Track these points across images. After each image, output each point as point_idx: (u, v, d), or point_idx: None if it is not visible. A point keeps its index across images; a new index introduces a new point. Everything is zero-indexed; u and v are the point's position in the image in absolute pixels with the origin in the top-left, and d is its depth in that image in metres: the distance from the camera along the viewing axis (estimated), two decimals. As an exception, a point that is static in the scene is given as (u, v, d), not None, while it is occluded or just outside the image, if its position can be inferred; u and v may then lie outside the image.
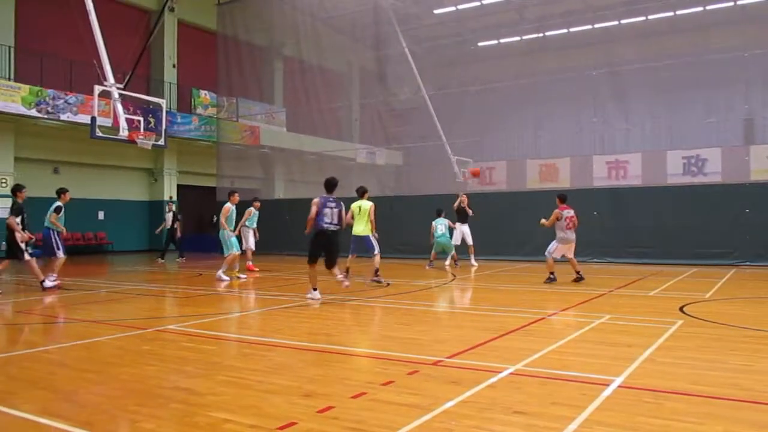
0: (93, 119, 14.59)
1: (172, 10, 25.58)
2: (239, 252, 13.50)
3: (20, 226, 11.29)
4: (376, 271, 11.92)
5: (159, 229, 20.47)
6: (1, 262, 11.69)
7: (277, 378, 4.99)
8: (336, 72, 29.06)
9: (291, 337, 7.01)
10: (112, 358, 5.85)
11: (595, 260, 16.92)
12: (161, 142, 15.95)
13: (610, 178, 24.10)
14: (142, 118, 15.53)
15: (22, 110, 19.31)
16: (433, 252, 16.19)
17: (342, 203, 9.90)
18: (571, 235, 11.87)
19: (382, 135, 28.54)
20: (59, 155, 22.70)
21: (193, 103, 26.36)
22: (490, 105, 25.37)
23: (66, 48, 21.06)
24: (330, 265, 9.85)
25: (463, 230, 16.58)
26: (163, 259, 19.74)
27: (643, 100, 24.08)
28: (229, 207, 13.46)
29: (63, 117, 20.32)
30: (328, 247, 9.71)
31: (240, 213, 14.49)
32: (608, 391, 4.50)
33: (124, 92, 15.14)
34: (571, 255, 11.99)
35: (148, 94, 19.04)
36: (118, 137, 14.88)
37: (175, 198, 26.57)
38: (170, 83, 25.82)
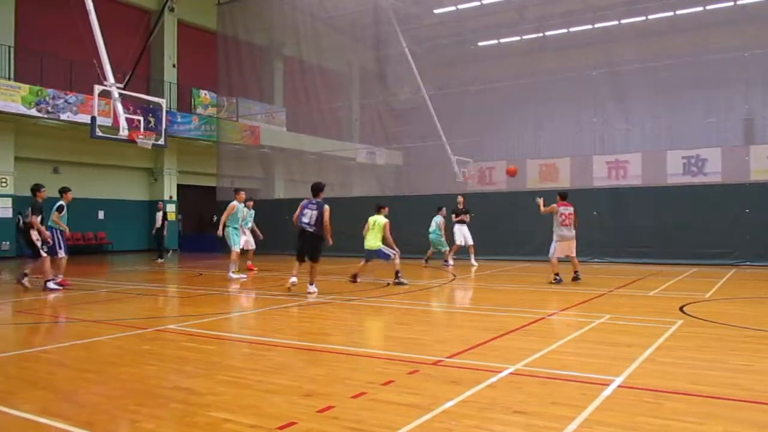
0: (93, 119, 14.59)
1: (172, 10, 25.57)
2: (238, 249, 13.60)
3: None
4: (397, 273, 12.00)
5: (154, 231, 20.29)
6: (32, 262, 11.76)
7: (277, 378, 4.99)
8: (336, 72, 29.07)
9: (291, 337, 7.01)
10: (112, 358, 5.84)
11: (595, 260, 16.93)
12: (161, 141, 15.96)
13: (610, 178, 24.12)
14: (142, 118, 15.54)
15: (22, 110, 19.31)
16: (430, 249, 16.29)
17: (324, 206, 10.40)
18: (568, 233, 11.81)
19: (382, 135, 28.56)
20: (59, 155, 22.69)
21: (193, 102, 26.36)
22: (490, 105, 25.37)
23: (66, 48, 21.06)
24: (312, 260, 10.49)
25: (462, 231, 16.62)
26: (162, 258, 19.75)
27: (643, 100, 24.10)
28: (234, 205, 13.56)
29: (63, 116, 20.31)
30: (305, 245, 10.45)
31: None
32: (608, 391, 4.50)
33: (124, 92, 15.15)
34: (573, 254, 11.92)
35: (148, 94, 19.05)
36: (118, 137, 14.89)
37: (175, 198, 26.59)
38: (170, 83, 25.82)
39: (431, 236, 16.12)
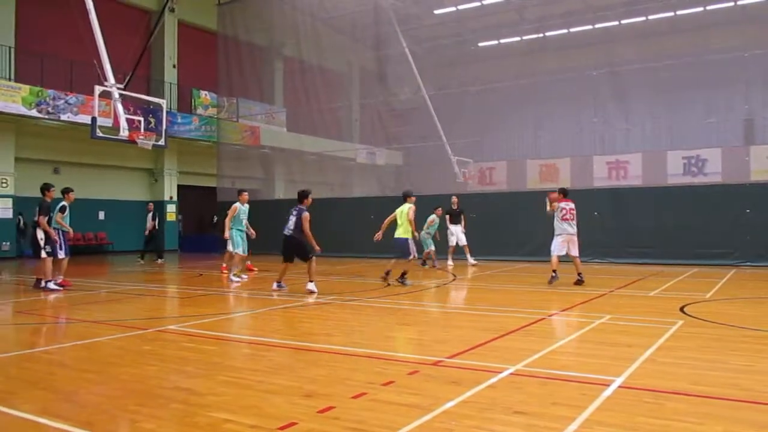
0: (93, 119, 14.59)
1: (172, 10, 25.58)
2: (243, 252, 13.40)
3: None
4: (403, 273, 11.89)
5: (148, 233, 20.04)
6: (61, 262, 11.84)
7: (278, 378, 5.00)
8: (336, 72, 29.07)
9: (291, 338, 7.01)
10: (112, 359, 5.85)
11: (595, 260, 16.91)
12: (161, 142, 15.95)
13: (611, 179, 24.12)
14: (142, 119, 15.52)
15: (23, 110, 19.31)
16: (425, 249, 15.79)
17: (303, 213, 10.72)
18: (570, 228, 11.71)
19: (382, 135, 28.56)
20: (60, 155, 22.70)
21: (193, 103, 26.36)
22: (491, 105, 25.37)
23: (66, 48, 21.07)
24: (302, 260, 10.99)
25: (455, 231, 16.53)
26: (162, 258, 19.73)
27: (643, 100, 24.09)
28: (237, 206, 13.44)
29: (63, 117, 20.32)
30: (287, 249, 10.95)
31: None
32: (609, 392, 4.50)
33: (124, 92, 15.14)
34: (575, 252, 11.75)
35: (148, 95, 19.03)
36: (119, 137, 14.88)
37: (175, 198, 26.59)
38: (170, 83, 25.83)
39: (421, 234, 15.73)
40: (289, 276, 11.48)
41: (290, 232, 10.78)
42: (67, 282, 11.95)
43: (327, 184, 25.59)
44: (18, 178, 21.16)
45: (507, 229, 18.35)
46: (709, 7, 23.48)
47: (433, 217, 15.84)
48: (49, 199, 11.78)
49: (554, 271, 11.65)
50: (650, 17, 24.15)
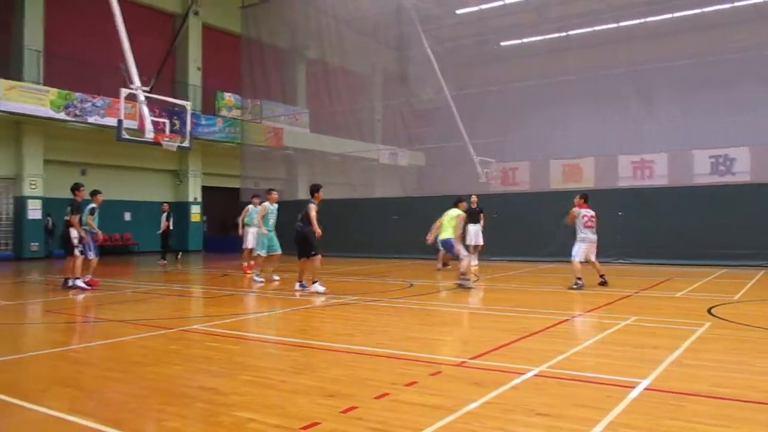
0: (119, 122, 14.80)
1: (196, 13, 25.87)
2: (265, 253, 13.28)
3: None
4: (462, 274, 11.76)
5: (163, 231, 20.20)
6: (90, 262, 12.06)
7: (301, 378, 5.02)
8: (359, 73, 29.14)
9: (314, 338, 7.05)
10: (137, 358, 5.93)
11: (620, 261, 16.70)
12: (186, 143, 16.13)
13: (635, 178, 23.86)
14: (167, 121, 15.72)
15: (51, 113, 19.66)
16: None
17: (309, 204, 11.04)
18: (593, 235, 11.53)
19: (404, 136, 28.58)
20: (86, 157, 23.05)
21: (217, 105, 26.60)
22: (513, 105, 25.23)
23: (93, 52, 21.42)
24: (301, 257, 11.23)
25: (475, 231, 16.40)
26: (165, 259, 19.76)
27: (667, 98, 23.74)
28: (266, 206, 13.28)
29: (90, 120, 20.64)
30: (297, 243, 11.20)
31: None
32: (634, 393, 4.44)
33: (149, 95, 15.35)
34: (593, 258, 11.60)
35: (173, 97, 19.27)
36: (144, 139, 15.08)
37: (200, 199, 26.84)
38: (195, 86, 26.10)
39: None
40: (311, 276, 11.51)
41: (299, 225, 11.02)
42: (95, 282, 12.14)
43: (349, 184, 25.65)
44: (46, 179, 21.54)
45: (530, 229, 18.20)
46: (736, 4, 23.10)
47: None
48: (79, 199, 11.99)
49: (579, 278, 11.17)
50: (675, 15, 23.84)
